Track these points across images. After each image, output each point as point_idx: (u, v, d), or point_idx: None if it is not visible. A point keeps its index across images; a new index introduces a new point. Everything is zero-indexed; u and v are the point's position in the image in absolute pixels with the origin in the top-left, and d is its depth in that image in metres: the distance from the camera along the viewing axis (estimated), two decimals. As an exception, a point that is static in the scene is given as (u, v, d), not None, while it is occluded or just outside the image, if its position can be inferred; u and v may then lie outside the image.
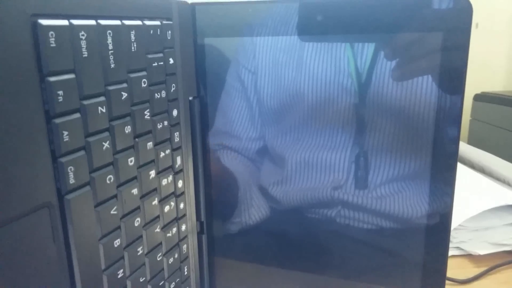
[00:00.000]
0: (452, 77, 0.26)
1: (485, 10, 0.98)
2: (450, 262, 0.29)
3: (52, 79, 0.18)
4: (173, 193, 0.28)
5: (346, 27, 0.27)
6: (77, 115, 0.19)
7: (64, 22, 0.19)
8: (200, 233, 0.33)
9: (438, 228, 0.28)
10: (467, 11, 0.25)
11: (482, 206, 0.44)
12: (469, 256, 0.44)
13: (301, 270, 0.33)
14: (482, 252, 0.44)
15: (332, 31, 0.28)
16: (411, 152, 0.28)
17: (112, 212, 0.22)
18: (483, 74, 0.99)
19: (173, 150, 0.28)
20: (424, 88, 0.27)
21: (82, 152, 0.20)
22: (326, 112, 0.30)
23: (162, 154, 0.26)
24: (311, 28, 0.28)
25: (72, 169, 0.19)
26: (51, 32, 0.18)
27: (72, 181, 0.19)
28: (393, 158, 0.29)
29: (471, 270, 0.41)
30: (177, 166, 0.28)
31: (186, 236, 0.30)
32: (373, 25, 0.27)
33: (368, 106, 0.28)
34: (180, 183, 0.29)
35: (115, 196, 0.22)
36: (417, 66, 0.27)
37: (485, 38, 0.99)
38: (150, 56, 0.24)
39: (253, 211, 0.33)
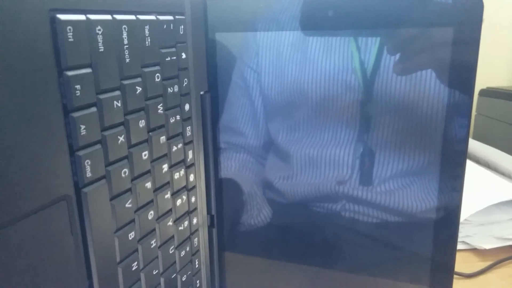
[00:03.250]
0: (462, 72, 0.26)
1: (491, 5, 0.97)
2: (456, 256, 0.29)
3: (70, 73, 0.18)
4: (185, 187, 0.28)
5: (356, 22, 0.27)
6: (94, 109, 0.20)
7: (81, 17, 0.19)
8: (210, 227, 0.33)
9: (447, 223, 0.29)
10: (478, 6, 0.25)
11: (487, 200, 0.44)
12: (475, 251, 0.45)
13: (308, 264, 0.33)
14: (488, 246, 0.44)
15: (342, 26, 0.28)
16: (419, 148, 0.28)
17: (127, 205, 0.22)
18: (488, 69, 0.99)
19: (185, 144, 0.28)
20: (433, 83, 0.27)
21: (98, 146, 0.20)
22: (332, 108, 0.30)
23: (175, 148, 0.26)
24: (322, 22, 0.28)
25: (89, 163, 0.19)
26: (69, 27, 0.18)
27: (89, 174, 0.20)
28: (400, 153, 0.29)
29: (477, 264, 0.42)
30: (188, 160, 0.28)
31: (197, 230, 0.31)
32: (382, 20, 0.27)
33: (375, 101, 0.28)
34: (191, 177, 0.29)
35: (130, 189, 0.23)
36: (427, 61, 0.27)
37: (491, 33, 0.98)
38: (163, 50, 0.24)
39: (260, 205, 0.34)
